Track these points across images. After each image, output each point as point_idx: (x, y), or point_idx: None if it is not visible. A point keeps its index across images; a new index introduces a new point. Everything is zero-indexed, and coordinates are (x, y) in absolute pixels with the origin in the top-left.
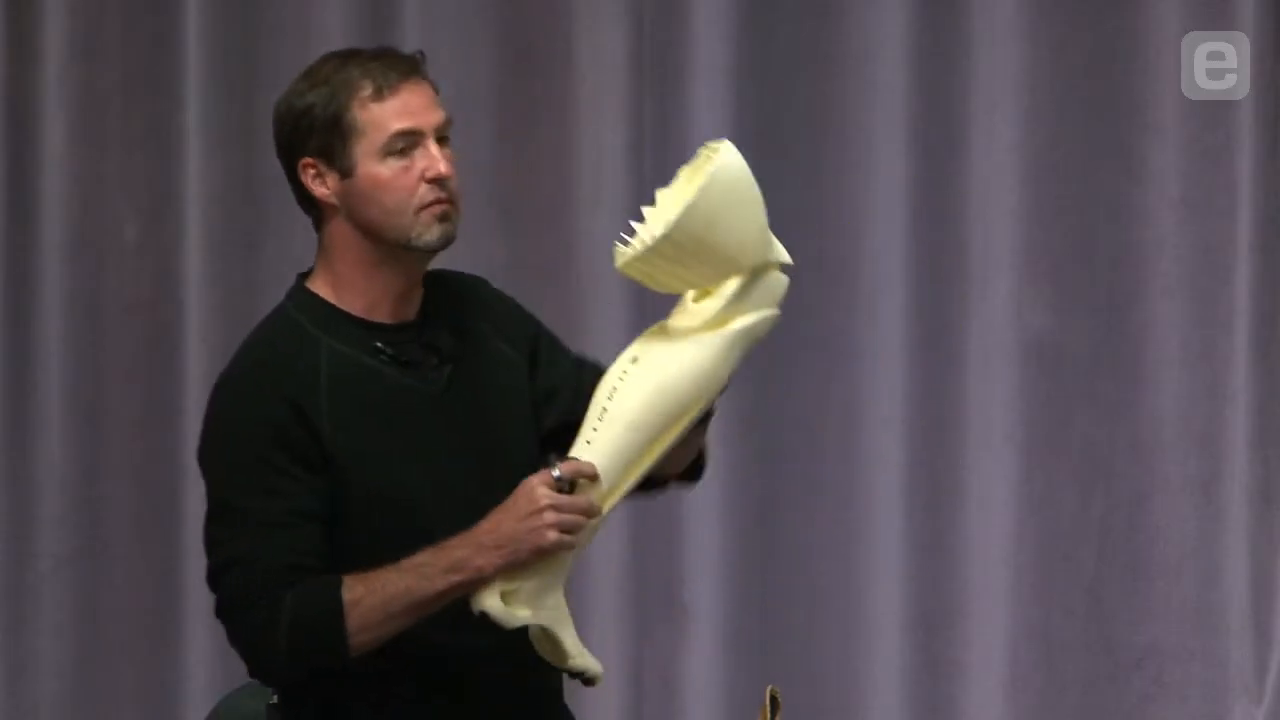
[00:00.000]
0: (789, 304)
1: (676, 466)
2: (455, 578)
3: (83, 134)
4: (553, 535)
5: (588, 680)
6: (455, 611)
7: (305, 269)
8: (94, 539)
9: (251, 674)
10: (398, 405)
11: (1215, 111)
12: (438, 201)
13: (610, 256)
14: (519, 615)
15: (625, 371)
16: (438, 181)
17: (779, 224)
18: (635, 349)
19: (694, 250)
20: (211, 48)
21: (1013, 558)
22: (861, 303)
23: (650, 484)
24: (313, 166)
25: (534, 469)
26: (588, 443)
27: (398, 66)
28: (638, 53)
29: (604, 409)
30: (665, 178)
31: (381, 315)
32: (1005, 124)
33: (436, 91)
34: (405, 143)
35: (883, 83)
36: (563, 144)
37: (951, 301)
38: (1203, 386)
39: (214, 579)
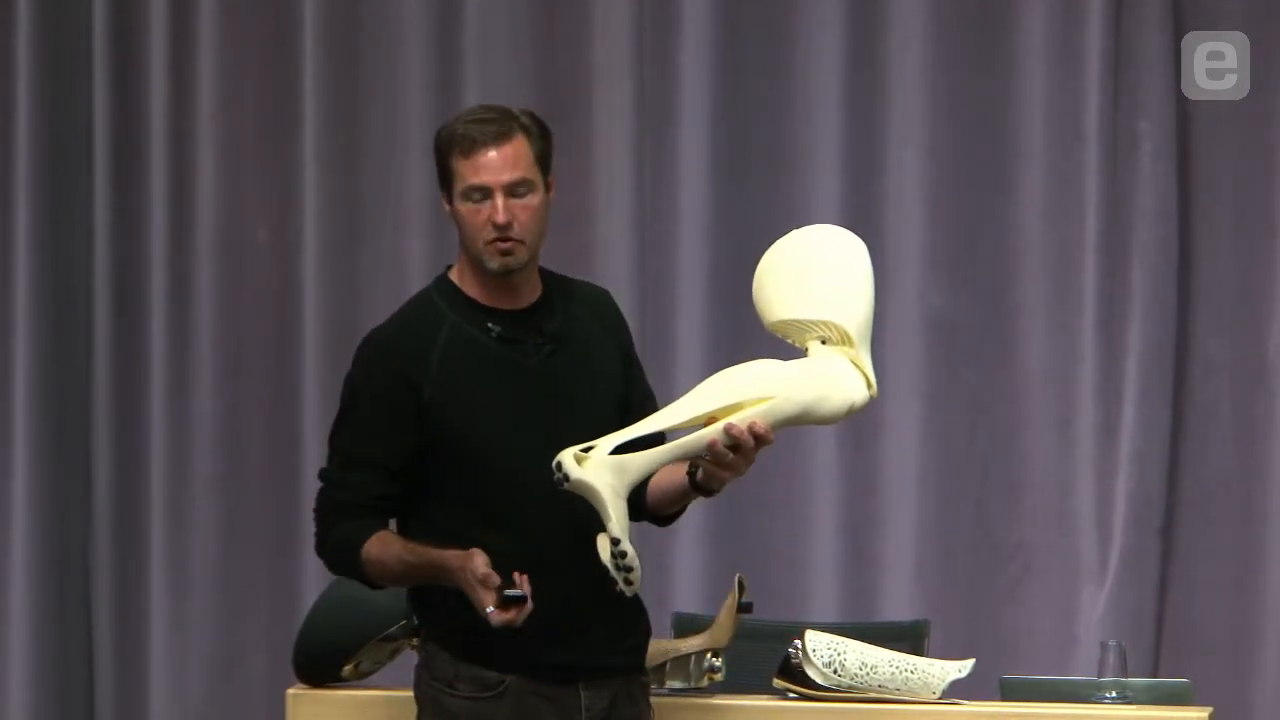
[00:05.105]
0: (747, 282)
1: (666, 509)
2: (423, 579)
3: (226, 164)
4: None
5: (625, 567)
6: (521, 527)
7: (395, 267)
8: (234, 463)
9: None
10: (497, 372)
11: (1068, 144)
12: (499, 240)
13: (618, 257)
14: (584, 477)
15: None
16: (497, 226)
17: (747, 224)
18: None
19: (790, 268)
20: (323, 98)
21: (919, 478)
22: None
23: (643, 512)
24: (442, 191)
25: (609, 430)
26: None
27: (488, 132)
28: (640, 107)
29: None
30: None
31: (493, 302)
32: (914, 154)
33: (532, 146)
34: (479, 194)
35: (823, 124)
36: (583, 170)
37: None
38: (1060, 350)
39: (319, 479)
